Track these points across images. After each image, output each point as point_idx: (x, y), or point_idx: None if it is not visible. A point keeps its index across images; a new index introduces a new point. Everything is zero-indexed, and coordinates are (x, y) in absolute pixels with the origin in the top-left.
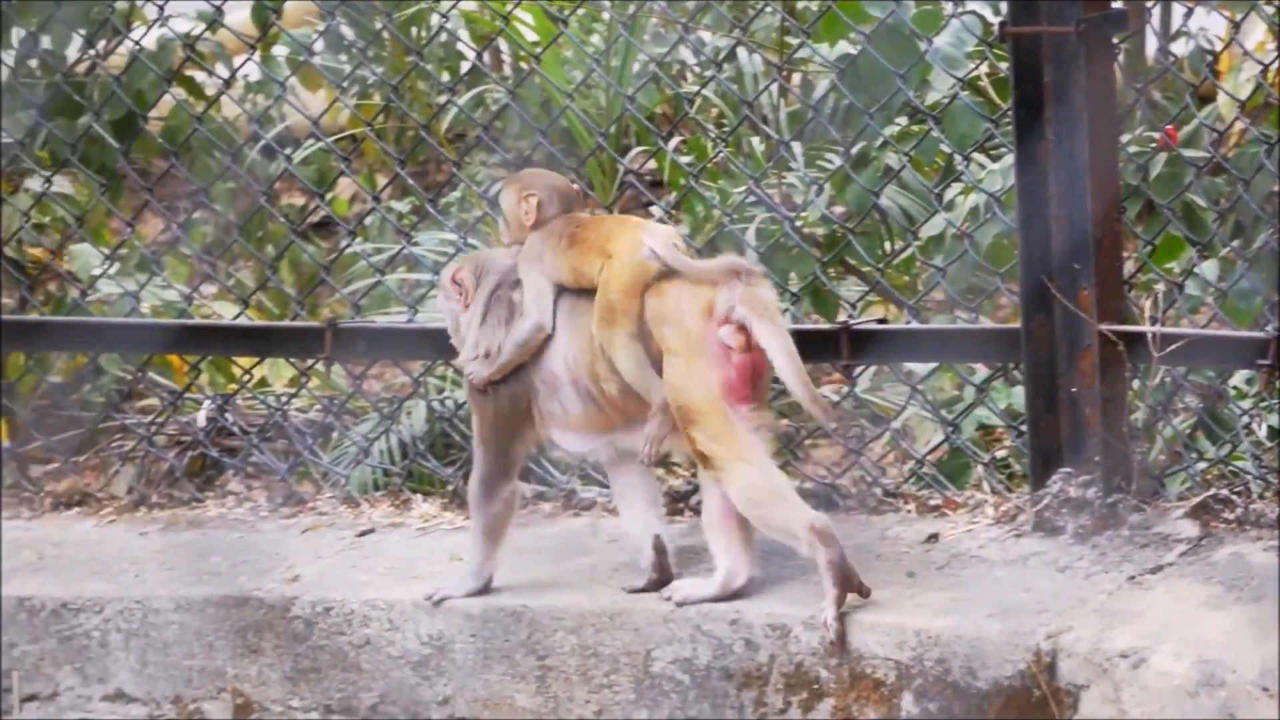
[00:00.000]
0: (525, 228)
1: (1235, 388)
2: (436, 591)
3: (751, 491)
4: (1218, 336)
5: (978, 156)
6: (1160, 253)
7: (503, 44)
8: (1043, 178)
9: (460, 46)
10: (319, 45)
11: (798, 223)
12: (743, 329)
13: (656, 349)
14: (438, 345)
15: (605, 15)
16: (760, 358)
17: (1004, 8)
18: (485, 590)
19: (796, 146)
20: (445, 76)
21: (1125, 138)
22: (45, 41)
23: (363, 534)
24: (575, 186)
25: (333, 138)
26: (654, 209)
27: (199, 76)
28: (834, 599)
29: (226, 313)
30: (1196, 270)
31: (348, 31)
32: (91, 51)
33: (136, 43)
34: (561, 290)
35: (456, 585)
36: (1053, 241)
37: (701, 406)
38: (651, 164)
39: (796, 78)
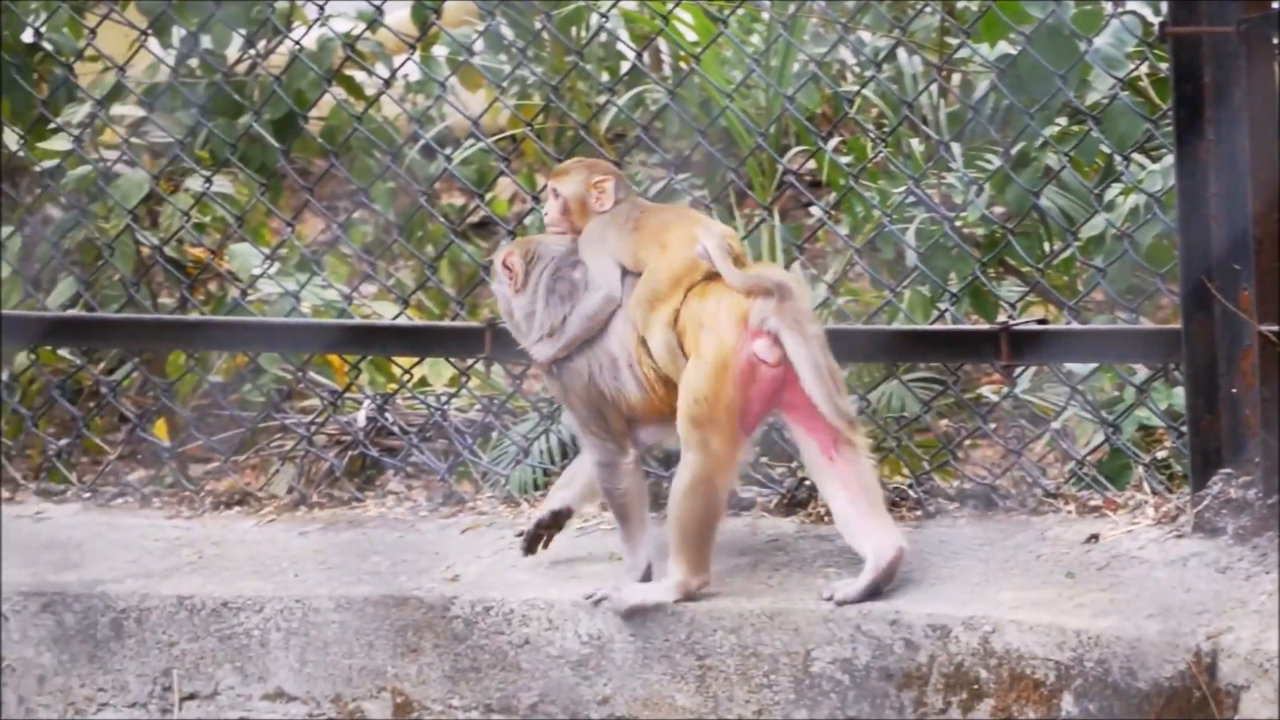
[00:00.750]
0: (591, 213)
1: None
2: (596, 591)
3: (694, 509)
4: None
5: (1137, 157)
6: None
7: (662, 44)
8: (1203, 178)
9: (620, 46)
10: (479, 45)
11: (957, 223)
12: (778, 342)
13: (686, 349)
14: None
15: (765, 15)
16: (790, 372)
17: (1164, 8)
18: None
19: (956, 147)
20: (605, 76)
21: None
22: (206, 41)
23: (522, 533)
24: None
25: (492, 138)
26: (813, 209)
27: (359, 76)
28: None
29: (386, 312)
30: None
31: (507, 31)
32: (252, 51)
33: (297, 42)
34: (624, 272)
35: (615, 585)
36: (1213, 241)
37: (720, 420)
38: (811, 164)
39: (956, 78)
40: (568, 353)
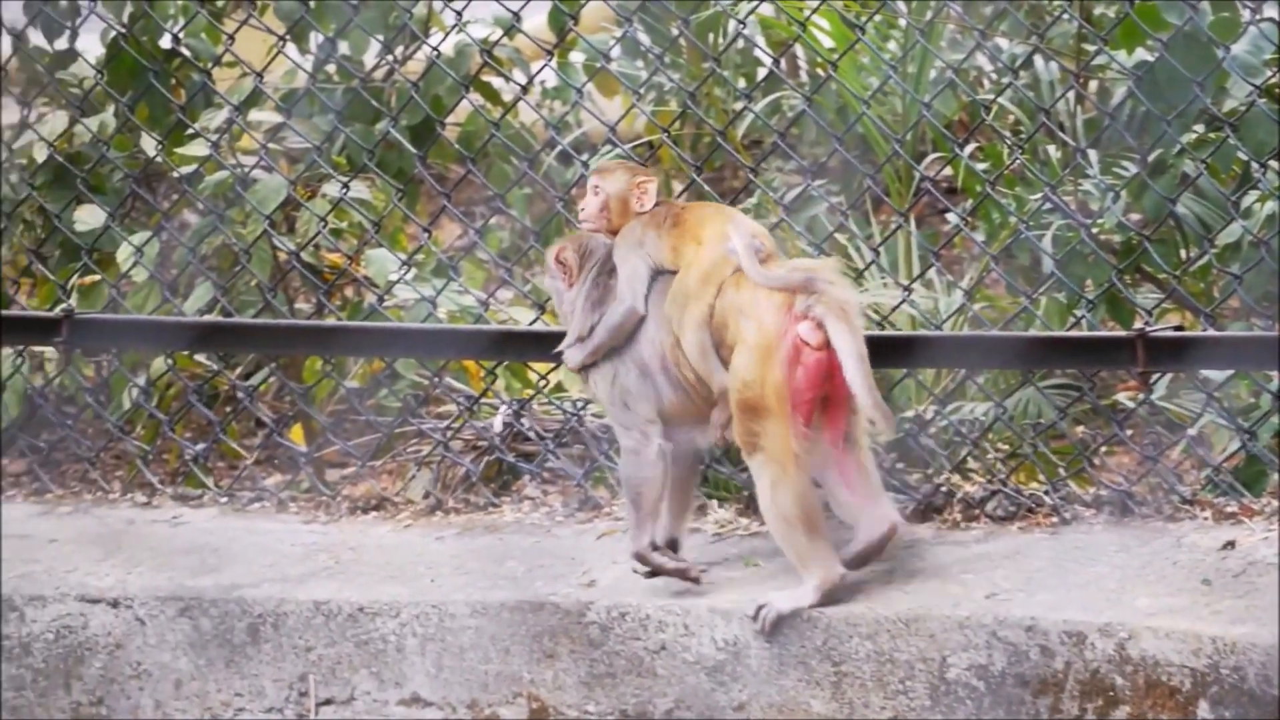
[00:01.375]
0: (629, 213)
1: None
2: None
3: (788, 507)
4: None
5: (1275, 164)
6: None
7: (799, 50)
8: None
9: (757, 53)
10: (616, 51)
11: (1094, 230)
12: (822, 326)
13: (730, 340)
14: None
15: (902, 22)
16: (835, 359)
17: None
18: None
19: (1093, 153)
20: (742, 83)
21: None
22: (343, 47)
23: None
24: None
25: (629, 144)
26: (950, 215)
27: (496, 82)
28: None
29: (523, 318)
30: None
31: (644, 38)
32: (389, 57)
33: (434, 48)
34: (658, 274)
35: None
36: None
37: (770, 404)
38: (947, 171)
39: (1093, 85)
40: (594, 359)
